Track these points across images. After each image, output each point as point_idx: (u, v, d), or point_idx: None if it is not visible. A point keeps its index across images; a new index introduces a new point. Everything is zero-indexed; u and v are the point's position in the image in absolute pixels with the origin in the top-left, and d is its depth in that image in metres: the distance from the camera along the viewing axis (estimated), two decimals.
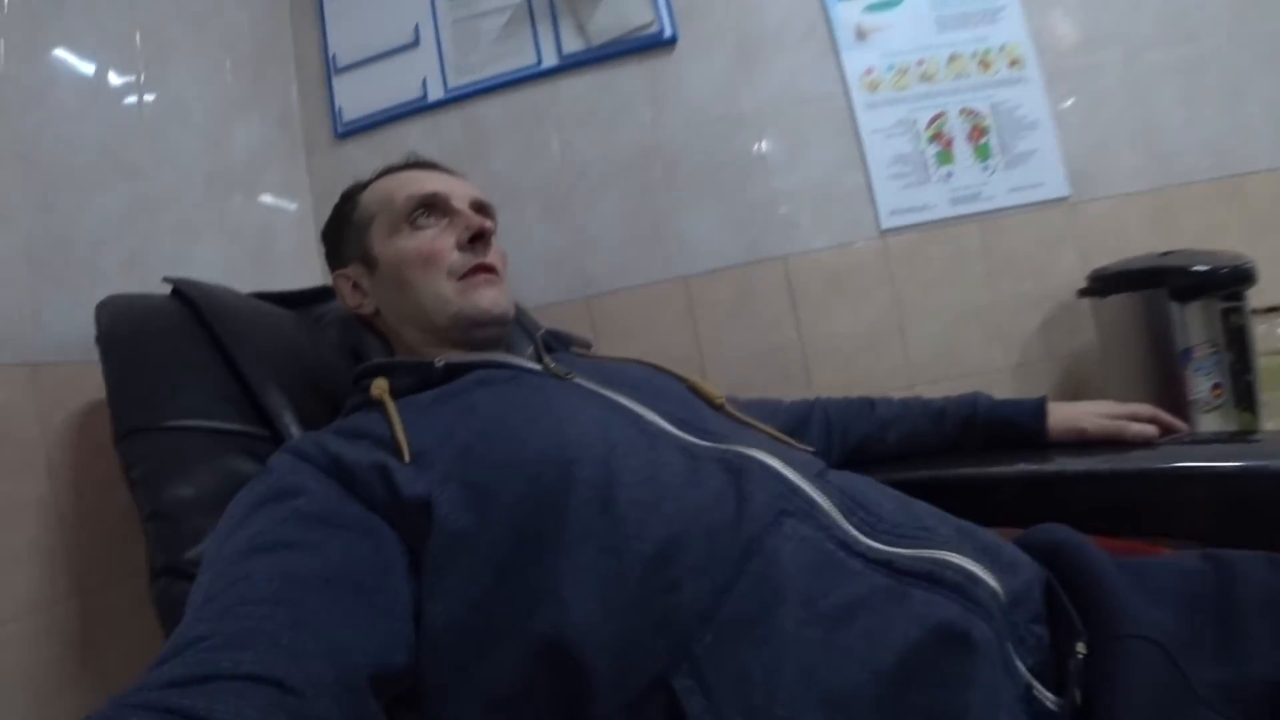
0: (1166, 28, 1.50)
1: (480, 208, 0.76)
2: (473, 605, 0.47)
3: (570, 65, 1.45)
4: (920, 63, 1.44)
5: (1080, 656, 0.44)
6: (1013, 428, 0.83)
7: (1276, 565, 0.51)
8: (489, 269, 0.71)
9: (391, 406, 0.59)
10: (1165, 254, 1.16)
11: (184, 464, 0.66)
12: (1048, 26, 1.46)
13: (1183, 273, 1.11)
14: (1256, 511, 0.67)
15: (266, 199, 1.38)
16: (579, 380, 0.65)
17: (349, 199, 0.79)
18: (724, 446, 0.55)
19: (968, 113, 1.44)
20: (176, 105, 1.16)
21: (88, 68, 1.01)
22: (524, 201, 1.45)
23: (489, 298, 0.70)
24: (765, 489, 0.50)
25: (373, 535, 0.50)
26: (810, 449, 0.69)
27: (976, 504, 0.69)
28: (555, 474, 0.50)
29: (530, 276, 1.43)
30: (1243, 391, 1.11)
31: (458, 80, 1.49)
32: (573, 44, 1.45)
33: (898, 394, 0.94)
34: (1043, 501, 0.77)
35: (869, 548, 0.47)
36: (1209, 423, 1.12)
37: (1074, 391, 1.37)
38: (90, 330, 0.76)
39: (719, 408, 0.68)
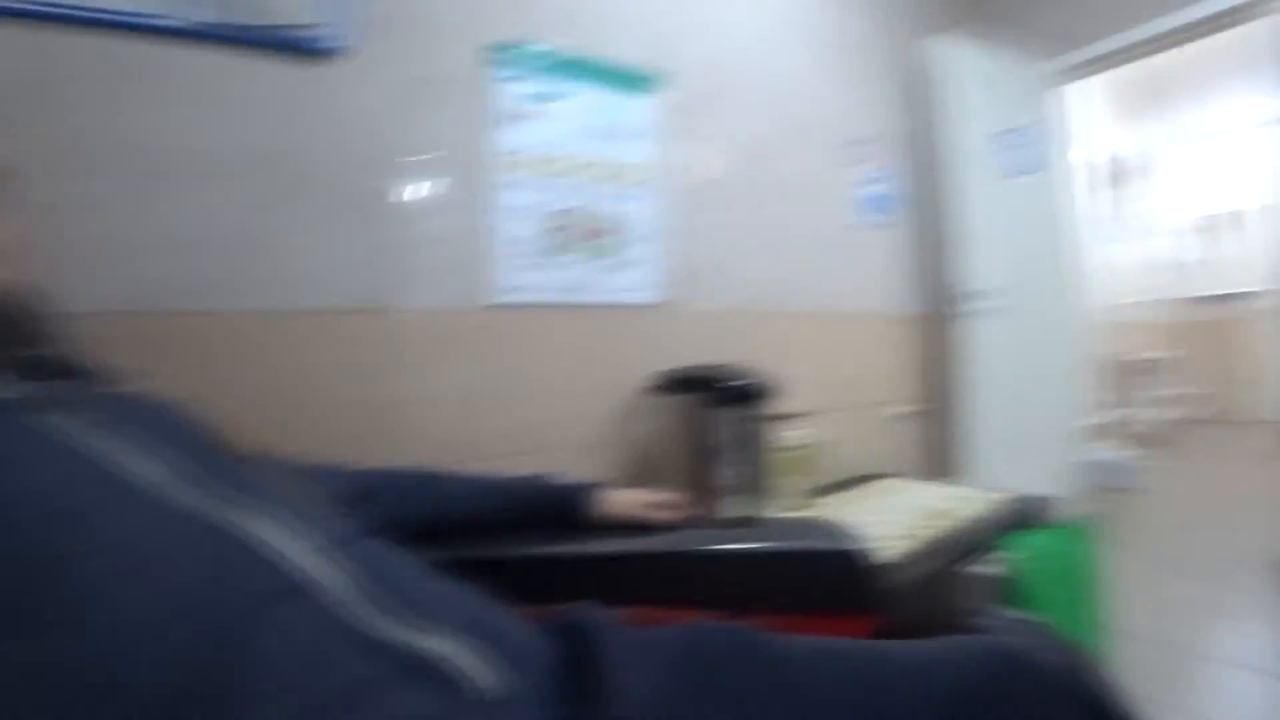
0: (752, 189, 1.91)
1: None
2: None
3: (203, 34, 1.20)
4: (563, 158, 1.57)
5: None
6: (566, 510, 0.91)
7: (738, 638, 0.64)
8: None
9: None
10: (713, 366, 1.44)
11: None
12: (672, 162, 1.74)
13: (722, 384, 1.39)
14: (739, 582, 0.84)
15: None
16: (64, 417, 0.52)
17: None
18: (224, 511, 0.50)
19: (592, 214, 1.60)
20: None
21: None
22: (104, 174, 1.14)
23: None
24: (260, 565, 0.47)
25: None
26: (347, 514, 0.65)
27: (523, 582, 0.73)
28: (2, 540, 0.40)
29: (92, 271, 1.13)
30: (755, 479, 1.41)
31: None
32: (207, 10, 1.20)
33: (487, 464, 0.96)
34: (585, 577, 0.85)
35: (372, 630, 0.46)
36: (732, 503, 1.38)
37: (642, 473, 1.58)
38: None
39: (242, 460, 0.61)
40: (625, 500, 0.93)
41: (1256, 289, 5.27)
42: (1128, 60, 2.96)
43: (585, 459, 1.52)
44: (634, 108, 1.70)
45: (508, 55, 1.51)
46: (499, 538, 0.89)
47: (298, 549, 0.49)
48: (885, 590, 0.91)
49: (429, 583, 0.55)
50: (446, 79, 1.43)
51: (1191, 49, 3.04)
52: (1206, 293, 5.85)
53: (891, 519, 1.56)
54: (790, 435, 1.60)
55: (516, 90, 1.52)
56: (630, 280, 1.64)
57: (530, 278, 1.50)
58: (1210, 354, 5.76)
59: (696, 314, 1.74)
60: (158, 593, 0.42)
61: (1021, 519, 1.59)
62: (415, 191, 1.39)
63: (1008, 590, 1.44)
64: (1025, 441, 2.61)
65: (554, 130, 1.57)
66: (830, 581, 0.86)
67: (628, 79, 1.69)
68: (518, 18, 1.52)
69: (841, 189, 2.25)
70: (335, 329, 1.29)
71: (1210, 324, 5.78)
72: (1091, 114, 4.36)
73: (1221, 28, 2.67)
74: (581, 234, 1.58)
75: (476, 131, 1.47)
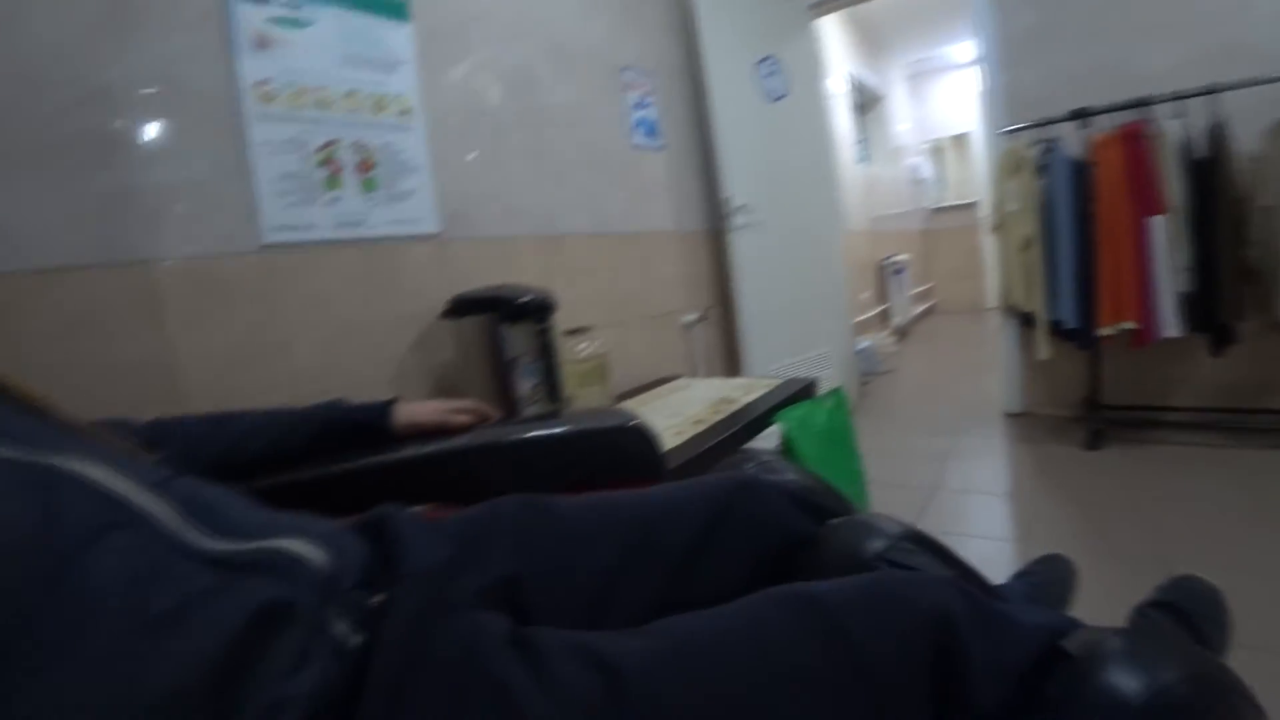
0: (522, 116, 1.93)
1: None
2: None
3: None
4: (320, 89, 1.48)
5: (375, 603, 0.53)
6: (364, 427, 0.93)
7: (524, 501, 0.73)
8: None
9: None
10: (499, 286, 1.49)
11: None
12: (435, 90, 1.71)
13: (509, 302, 1.46)
14: (539, 467, 0.94)
15: None
16: None
17: None
18: (37, 458, 0.48)
19: (359, 146, 1.54)
20: None
21: None
22: None
23: None
24: (85, 502, 0.46)
25: None
26: (155, 459, 0.64)
27: (332, 499, 0.76)
28: None
29: None
30: (553, 389, 1.52)
31: None
32: None
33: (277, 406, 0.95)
34: (395, 485, 0.88)
35: (206, 549, 0.48)
36: (531, 411, 1.48)
37: (445, 395, 1.60)
38: None
39: (38, 410, 0.58)
40: (424, 409, 0.96)
41: (977, 199, 6.25)
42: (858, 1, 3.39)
43: (389, 390, 1.51)
44: (391, 35, 1.64)
45: None
46: (303, 463, 0.89)
47: (124, 486, 0.49)
48: (666, 459, 1.05)
49: (248, 508, 0.58)
50: (165, 3, 1.27)
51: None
52: (941, 204, 6.94)
53: (683, 410, 1.75)
54: (581, 348, 1.71)
55: (260, 13, 1.40)
56: (406, 212, 1.62)
57: (302, 215, 1.43)
58: (946, 255, 6.84)
59: (477, 241, 1.76)
60: None
61: (791, 398, 1.86)
62: (150, 131, 1.25)
63: (782, 454, 1.70)
64: (797, 336, 2.97)
65: (307, 59, 1.47)
66: (617, 455, 0.98)
67: (380, 3, 1.63)
68: None
69: (612, 116, 2.34)
70: (64, 289, 1.13)
71: (945, 230, 6.85)
72: (839, 48, 4.83)
73: None
74: (351, 168, 1.53)
75: (219, 60, 1.33)
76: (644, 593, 0.67)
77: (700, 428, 1.57)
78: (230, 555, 0.49)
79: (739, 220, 2.71)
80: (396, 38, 1.65)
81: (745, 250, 2.74)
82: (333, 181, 1.49)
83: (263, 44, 1.41)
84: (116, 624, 0.42)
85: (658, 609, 0.60)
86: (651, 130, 2.54)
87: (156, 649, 0.42)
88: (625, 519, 0.72)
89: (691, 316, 2.60)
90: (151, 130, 1.25)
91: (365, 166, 1.55)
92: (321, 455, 0.91)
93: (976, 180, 6.21)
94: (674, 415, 1.70)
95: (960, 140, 6.97)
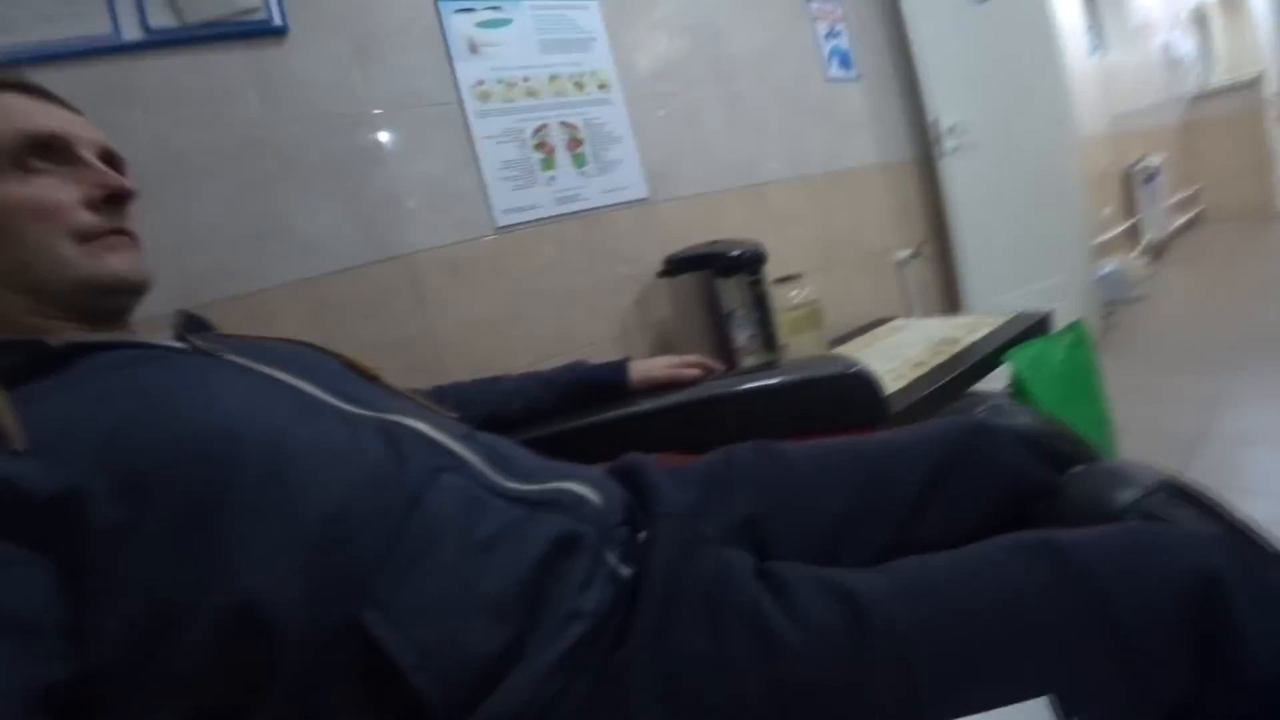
0: (712, 70, 1.94)
1: (111, 159, 0.68)
2: (144, 596, 0.46)
3: (160, 43, 1.25)
4: (526, 79, 1.62)
5: (640, 539, 0.62)
6: (604, 385, 1.05)
7: (758, 448, 0.78)
8: (126, 233, 0.65)
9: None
10: (711, 243, 1.55)
11: None
12: (627, 60, 1.78)
13: (722, 257, 1.51)
14: (763, 415, 0.98)
15: None
16: (230, 357, 0.63)
17: None
18: (382, 415, 0.62)
19: (566, 125, 1.66)
20: None
21: None
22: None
23: (127, 261, 0.64)
24: (421, 450, 0.59)
25: None
26: (455, 416, 0.79)
27: (589, 446, 0.85)
28: (221, 450, 0.50)
29: None
30: (768, 338, 1.56)
31: None
32: (161, 18, 1.25)
33: (522, 369, 1.10)
34: (634, 435, 0.98)
35: (509, 489, 0.59)
36: (749, 361, 1.54)
37: (663, 351, 1.70)
38: None
39: (374, 379, 0.74)
40: (655, 365, 1.06)
41: (1260, 74, 4.87)
42: None
43: (614, 348, 1.65)
44: (581, 15, 1.72)
45: None
46: (554, 419, 1.02)
47: (444, 438, 0.62)
48: (889, 405, 1.05)
49: (530, 455, 0.69)
50: (395, 30, 1.46)
51: None
52: (1207, 87, 5.53)
53: (902, 353, 1.70)
54: (794, 295, 1.72)
55: (468, 21, 1.56)
56: (615, 181, 1.71)
57: (526, 197, 1.58)
58: (1217, 150, 5.45)
59: (683, 200, 1.82)
60: (349, 477, 0.53)
61: (1022, 334, 1.72)
62: (396, 142, 1.45)
63: (1013, 396, 1.59)
64: (1025, 265, 2.70)
65: (512, 53, 1.60)
66: (840, 402, 1.00)
67: None
68: None
69: (803, 51, 2.26)
70: (352, 285, 1.37)
71: (1214, 119, 5.45)
72: None
73: None
74: (562, 147, 1.65)
75: (442, 70, 1.51)
76: (873, 537, 0.69)
77: (921, 371, 1.52)
78: (526, 494, 0.59)
79: (950, 143, 2.50)
80: (586, 16, 1.73)
81: (959, 175, 2.53)
82: (548, 162, 1.62)
83: (474, 48, 1.56)
84: (454, 545, 0.53)
85: (886, 553, 0.61)
86: (845, 60, 2.41)
87: (483, 565, 0.52)
88: (853, 464, 0.74)
89: (904, 253, 2.46)
90: (396, 140, 1.46)
91: (574, 144, 1.67)
92: (568, 410, 1.04)
93: (1258, 50, 4.90)
94: (892, 359, 1.66)
95: (1232, 2, 5.56)
